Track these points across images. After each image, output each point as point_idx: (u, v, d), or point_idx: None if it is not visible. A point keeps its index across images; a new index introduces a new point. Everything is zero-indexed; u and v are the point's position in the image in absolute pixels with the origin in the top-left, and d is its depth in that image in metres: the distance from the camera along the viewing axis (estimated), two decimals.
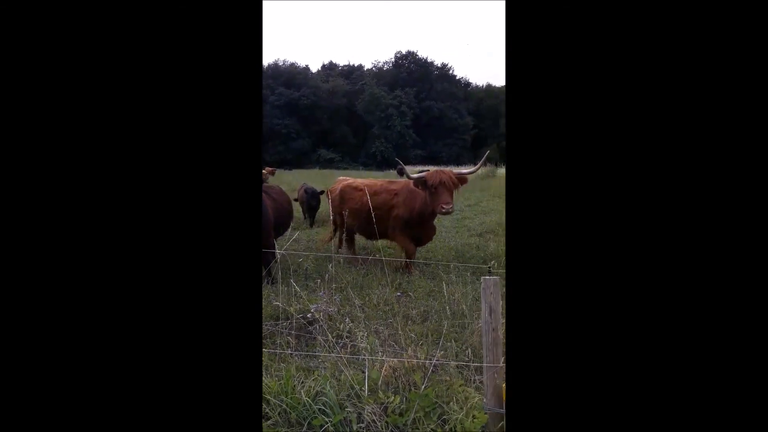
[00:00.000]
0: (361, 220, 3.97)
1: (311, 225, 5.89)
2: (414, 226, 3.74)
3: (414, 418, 1.57)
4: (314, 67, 49.86)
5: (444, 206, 3.37)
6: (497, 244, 4.81)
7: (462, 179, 3.62)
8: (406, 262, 3.78)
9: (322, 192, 5.74)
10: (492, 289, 1.50)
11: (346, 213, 4.08)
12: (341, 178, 4.84)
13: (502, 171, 18.37)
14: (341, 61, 53.10)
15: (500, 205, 8.61)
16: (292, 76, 43.68)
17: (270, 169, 12.42)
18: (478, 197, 9.86)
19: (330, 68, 49.72)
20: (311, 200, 5.91)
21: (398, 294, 2.86)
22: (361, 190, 4.10)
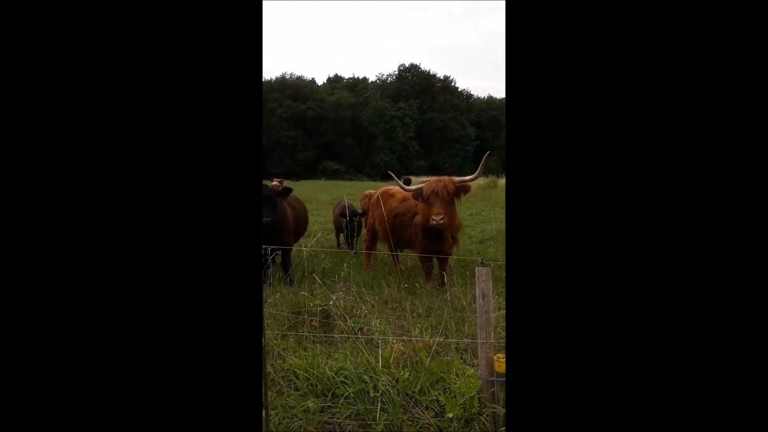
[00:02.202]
0: (389, 226, 3.79)
1: (352, 247, 4.86)
2: (431, 236, 3.53)
3: (421, 387, 1.88)
4: (320, 80, 50.77)
5: (434, 218, 3.23)
6: (496, 251, 5.13)
7: (463, 187, 3.46)
8: (441, 273, 3.70)
9: (363, 214, 4.79)
10: (484, 277, 1.82)
11: (376, 218, 4.07)
12: (368, 191, 4.82)
13: (503, 182, 18.70)
14: (346, 74, 53.93)
15: (500, 214, 8.94)
16: (298, 88, 44.53)
17: (279, 179, 12.78)
18: (480, 207, 10.19)
19: (335, 81, 50.65)
20: (352, 221, 4.84)
21: (405, 286, 3.17)
22: (393, 195, 4.03)
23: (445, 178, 3.48)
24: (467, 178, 3.56)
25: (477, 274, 1.84)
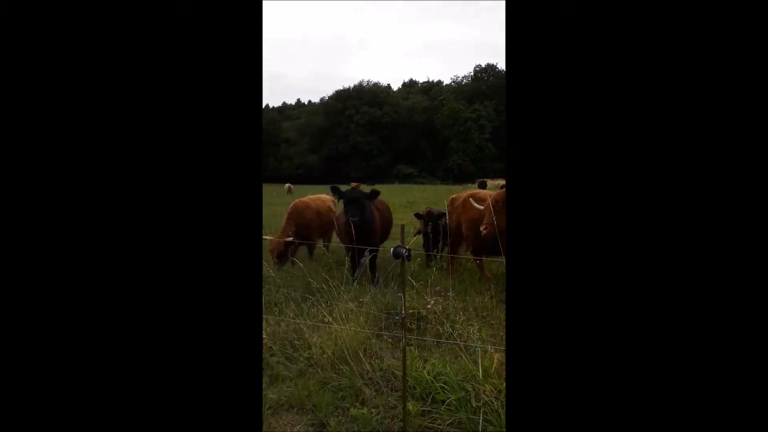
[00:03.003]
0: (474, 233, 3.71)
1: (440, 250, 4.44)
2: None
3: None
4: (395, 86, 51.75)
5: (482, 229, 3.23)
6: None
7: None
8: None
9: (442, 215, 4.46)
10: None
11: (463, 223, 4.01)
12: (455, 195, 4.69)
13: None
14: (421, 78, 54.24)
15: None
16: (374, 95, 45.89)
17: (356, 184, 13.23)
18: None
19: (410, 86, 51.23)
20: (437, 224, 4.43)
21: (500, 295, 3.05)
22: (484, 199, 3.89)
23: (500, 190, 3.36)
24: None
25: None
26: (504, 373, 2.02)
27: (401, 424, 1.85)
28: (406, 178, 38.36)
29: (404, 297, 1.74)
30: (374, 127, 42.80)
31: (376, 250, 3.98)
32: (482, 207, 3.50)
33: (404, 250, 1.57)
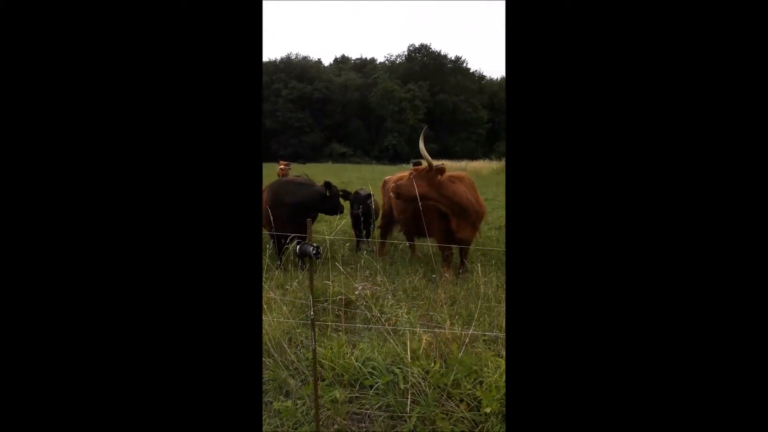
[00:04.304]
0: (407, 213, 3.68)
1: (368, 236, 4.39)
2: (443, 220, 3.51)
3: (454, 380, 1.81)
4: (326, 61, 50.00)
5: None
6: None
7: (439, 170, 3.36)
8: (461, 260, 3.67)
9: (369, 197, 4.33)
10: None
11: (394, 205, 3.94)
12: (387, 177, 4.60)
13: None
14: (353, 55, 53.00)
15: None
16: (305, 69, 43.96)
17: (285, 162, 12.61)
18: (495, 192, 10.01)
19: (342, 62, 49.87)
20: (368, 207, 4.28)
21: (433, 276, 3.10)
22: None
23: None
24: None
25: None
26: (431, 352, 2.05)
27: (328, 412, 1.79)
28: (340, 158, 37.79)
29: (312, 295, 1.64)
30: (304, 103, 41.09)
31: (304, 237, 3.82)
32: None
33: (311, 248, 1.49)
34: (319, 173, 14.84)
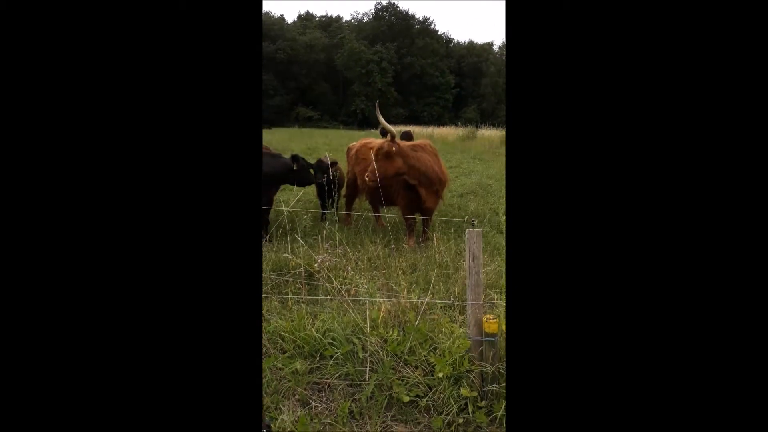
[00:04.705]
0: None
1: (333, 205, 4.28)
2: (410, 190, 3.52)
3: (410, 347, 1.89)
4: (290, 18, 47.02)
5: (366, 177, 3.27)
6: (477, 204, 5.14)
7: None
8: (423, 229, 3.72)
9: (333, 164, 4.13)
10: (475, 239, 1.78)
11: (358, 174, 3.94)
12: (352, 144, 4.44)
13: (482, 132, 18.57)
14: (318, 12, 50.11)
15: (480, 166, 8.91)
16: (266, 27, 41.15)
17: None
18: (459, 159, 10.11)
19: (306, 19, 47.10)
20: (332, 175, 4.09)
21: (392, 246, 3.14)
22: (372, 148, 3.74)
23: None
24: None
25: (467, 236, 1.79)
26: (390, 320, 2.11)
27: (289, 383, 1.83)
28: (306, 122, 36.54)
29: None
30: (268, 63, 38.77)
31: (267, 209, 3.73)
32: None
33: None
34: (285, 140, 14.30)
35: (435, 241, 3.02)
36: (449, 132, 19.79)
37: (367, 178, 3.21)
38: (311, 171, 3.83)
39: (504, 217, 2.97)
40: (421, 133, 18.02)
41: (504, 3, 1.01)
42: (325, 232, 3.02)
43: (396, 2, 46.19)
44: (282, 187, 4.32)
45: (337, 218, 3.97)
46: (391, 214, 4.42)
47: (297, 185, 3.93)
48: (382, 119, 3.39)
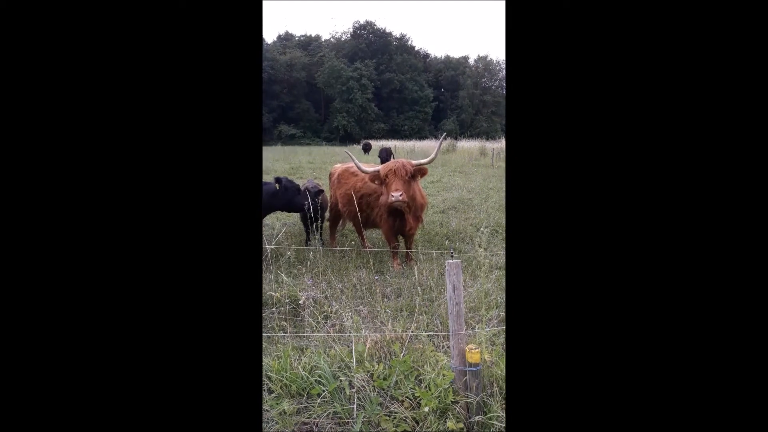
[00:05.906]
0: (352, 206, 3.78)
1: (318, 230, 4.20)
2: (396, 215, 3.57)
3: (396, 381, 1.91)
4: (269, 38, 47.46)
5: (393, 194, 3.21)
6: (459, 221, 5.22)
7: (421, 170, 3.48)
8: (406, 252, 3.77)
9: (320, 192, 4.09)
10: (455, 270, 1.82)
11: (339, 198, 4.00)
12: (335, 167, 4.51)
13: (461, 144, 18.92)
14: (297, 32, 50.68)
15: (461, 180, 9.04)
16: None
17: None
18: (440, 173, 10.24)
19: (286, 38, 47.51)
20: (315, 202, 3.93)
21: (376, 277, 3.16)
22: (356, 174, 3.93)
23: (402, 160, 3.48)
24: (424, 161, 3.56)
25: (447, 267, 1.84)
26: (376, 353, 2.12)
27: (277, 426, 1.82)
28: (289, 140, 36.55)
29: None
30: None
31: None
32: (371, 172, 3.53)
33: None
34: (268, 159, 14.17)
35: (420, 261, 3.04)
36: (430, 145, 20.08)
37: (401, 197, 3.25)
38: (299, 191, 3.77)
39: (484, 231, 3.03)
40: (403, 147, 18.22)
41: (504, 3, 1.02)
42: (309, 263, 3.03)
43: (374, 21, 47.11)
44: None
45: (322, 242, 3.98)
46: (376, 235, 4.45)
47: (290, 210, 3.82)
48: (358, 164, 3.61)
